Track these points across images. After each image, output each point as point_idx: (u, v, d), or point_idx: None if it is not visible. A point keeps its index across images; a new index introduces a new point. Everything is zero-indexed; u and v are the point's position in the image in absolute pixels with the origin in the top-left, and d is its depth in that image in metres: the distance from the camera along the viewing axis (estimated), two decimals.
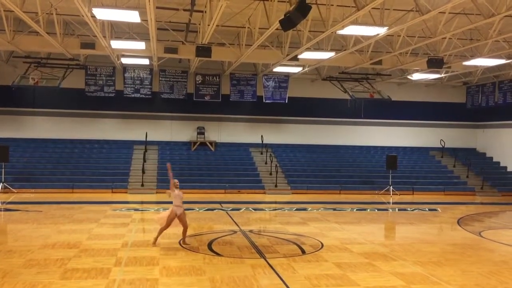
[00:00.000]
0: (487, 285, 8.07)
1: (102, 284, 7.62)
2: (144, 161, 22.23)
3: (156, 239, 10.50)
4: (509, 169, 25.55)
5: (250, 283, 7.87)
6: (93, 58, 22.50)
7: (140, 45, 17.45)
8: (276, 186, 22.12)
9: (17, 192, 19.65)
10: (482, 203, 20.51)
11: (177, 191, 10.41)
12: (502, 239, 12.24)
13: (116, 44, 17.35)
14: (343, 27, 13.71)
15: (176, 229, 11.78)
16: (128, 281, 7.81)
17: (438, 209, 17.90)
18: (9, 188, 19.69)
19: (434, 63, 17.86)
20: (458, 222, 14.86)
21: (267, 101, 24.42)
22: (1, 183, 19.63)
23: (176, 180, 10.56)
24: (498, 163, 26.32)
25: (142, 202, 18.25)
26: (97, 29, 14.79)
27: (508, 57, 19.01)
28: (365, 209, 17.39)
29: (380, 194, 22.05)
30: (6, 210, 16.10)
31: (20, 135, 23.72)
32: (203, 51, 16.55)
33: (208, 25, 14.63)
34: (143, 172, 21.44)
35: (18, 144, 23.21)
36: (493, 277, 8.53)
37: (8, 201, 17.80)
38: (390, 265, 9.26)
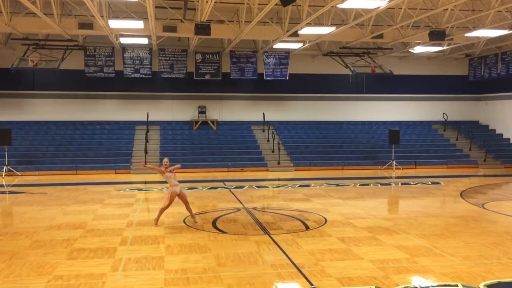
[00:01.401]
0: (490, 256, 8.12)
1: (109, 263, 7.70)
2: (146, 141, 22.23)
3: (157, 219, 10.50)
4: None
5: (255, 259, 7.94)
6: (91, 38, 22.32)
7: (139, 24, 17.28)
8: (278, 163, 22.16)
9: (21, 175, 19.74)
10: (485, 176, 20.54)
11: (169, 173, 10.38)
12: (505, 211, 12.29)
13: (114, 23, 17.19)
14: (343, 1, 13.51)
15: (181, 208, 11.88)
16: (134, 260, 7.89)
17: (441, 182, 17.93)
18: (13, 171, 19.78)
19: (436, 36, 17.65)
20: (461, 195, 14.90)
21: (268, 79, 24.26)
22: (5, 166, 19.70)
23: (166, 161, 10.50)
24: (501, 135, 26.26)
25: (145, 182, 18.33)
26: (94, 9, 14.62)
27: (510, 28, 18.74)
28: (368, 184, 17.43)
29: (383, 169, 22.08)
30: (11, 192, 16.22)
31: (21, 118, 23.70)
32: (202, 29, 16.37)
33: (207, 2, 14.45)
34: (146, 152, 21.47)
35: (20, 127, 23.22)
36: (497, 248, 8.58)
37: (13, 183, 17.91)
38: (394, 238, 9.31)
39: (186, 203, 10.67)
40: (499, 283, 6.78)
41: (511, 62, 23.84)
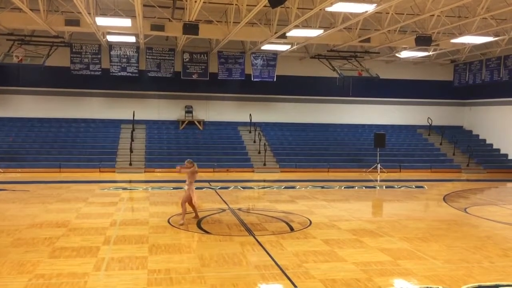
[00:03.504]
0: (472, 259, 8.22)
1: (91, 263, 7.63)
2: (132, 140, 22.09)
3: (196, 215, 10.89)
4: (495, 147, 25.86)
5: (239, 260, 7.93)
6: (78, 35, 22.08)
7: (126, 22, 17.16)
8: (264, 164, 22.17)
9: (3, 172, 19.45)
10: (468, 180, 20.79)
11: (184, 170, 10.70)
12: (487, 215, 12.45)
13: (101, 21, 17.04)
14: (331, 4, 13.59)
15: (165, 208, 11.87)
16: (117, 259, 7.83)
17: (425, 186, 18.11)
18: None
19: (422, 41, 17.85)
20: (444, 199, 15.06)
21: (255, 80, 24.26)
22: None
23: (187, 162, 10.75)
24: (484, 140, 26.60)
25: (130, 181, 18.19)
26: (81, 6, 14.48)
27: (495, 35, 19.04)
28: (353, 187, 17.53)
29: (368, 172, 22.22)
30: None
31: (5, 114, 23.36)
32: (190, 28, 16.32)
33: (195, 1, 14.40)
34: (131, 151, 21.32)
35: (3, 123, 22.91)
36: (478, 252, 8.69)
37: None
38: (377, 241, 9.38)
39: (186, 202, 10.74)
40: (480, 287, 6.87)
41: (496, 68, 24.20)
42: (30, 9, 15.64)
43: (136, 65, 23.10)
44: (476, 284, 6.94)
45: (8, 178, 18.19)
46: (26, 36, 20.90)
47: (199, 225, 10.49)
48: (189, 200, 10.60)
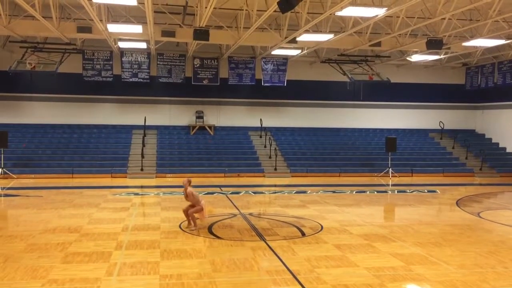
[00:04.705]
0: (485, 264, 8.13)
1: (103, 268, 7.66)
2: (143, 145, 22.21)
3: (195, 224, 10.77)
4: (508, 150, 25.59)
5: (250, 265, 7.92)
6: (90, 42, 22.33)
7: (137, 28, 17.30)
8: (275, 169, 22.15)
9: (16, 178, 19.67)
10: (481, 184, 20.58)
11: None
12: (501, 220, 12.31)
13: (113, 27, 17.20)
14: (341, 8, 13.58)
15: (177, 213, 11.92)
16: (129, 264, 7.86)
17: (437, 190, 17.96)
18: (9, 174, 19.71)
19: (434, 44, 17.75)
20: (457, 203, 14.92)
21: (266, 85, 24.29)
22: (0, 169, 19.63)
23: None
24: (497, 144, 26.34)
25: (142, 187, 18.28)
26: (93, 13, 14.64)
27: (507, 37, 18.88)
28: (364, 192, 17.44)
29: (379, 176, 22.10)
30: (6, 195, 16.14)
31: (18, 121, 23.64)
32: (201, 34, 16.40)
33: (206, 7, 14.49)
34: (142, 156, 21.44)
35: (16, 129, 23.15)
36: (492, 257, 8.59)
37: (8, 186, 17.83)
38: (389, 246, 9.31)
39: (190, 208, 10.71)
40: None
41: (508, 71, 23.97)
42: (43, 17, 15.84)
43: (147, 71, 23.28)
44: None
45: (22, 184, 18.38)
46: (39, 43, 21.17)
47: (210, 231, 10.50)
48: (188, 209, 10.57)
